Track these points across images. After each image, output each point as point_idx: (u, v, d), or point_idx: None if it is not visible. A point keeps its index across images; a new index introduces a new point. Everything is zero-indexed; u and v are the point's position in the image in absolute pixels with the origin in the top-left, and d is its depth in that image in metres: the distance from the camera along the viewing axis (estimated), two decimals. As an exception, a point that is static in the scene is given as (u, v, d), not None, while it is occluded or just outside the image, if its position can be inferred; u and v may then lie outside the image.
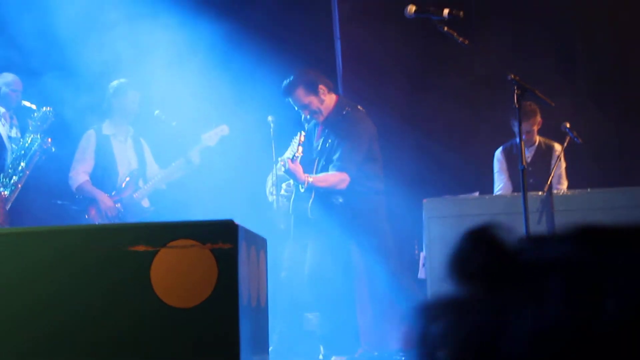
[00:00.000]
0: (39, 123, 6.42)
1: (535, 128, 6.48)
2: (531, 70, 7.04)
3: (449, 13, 4.43)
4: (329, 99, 5.48)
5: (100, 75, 6.86)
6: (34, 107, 6.50)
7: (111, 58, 6.91)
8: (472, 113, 7.42)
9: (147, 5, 7.05)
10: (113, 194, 6.48)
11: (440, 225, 5.68)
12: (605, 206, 5.50)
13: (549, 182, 5.62)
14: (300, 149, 5.59)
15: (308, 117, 5.52)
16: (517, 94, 4.38)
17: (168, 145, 6.76)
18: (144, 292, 2.88)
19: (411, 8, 4.53)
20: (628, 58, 7.35)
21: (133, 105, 6.56)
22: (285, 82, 5.52)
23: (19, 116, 6.66)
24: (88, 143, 6.54)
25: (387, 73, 6.42)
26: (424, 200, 5.76)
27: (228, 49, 7.24)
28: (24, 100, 6.59)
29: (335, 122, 5.40)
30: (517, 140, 6.50)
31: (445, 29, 4.48)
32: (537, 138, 6.56)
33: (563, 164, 6.50)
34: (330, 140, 5.24)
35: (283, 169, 5.34)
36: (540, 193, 5.63)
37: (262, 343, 3.43)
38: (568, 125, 6.23)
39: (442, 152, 7.46)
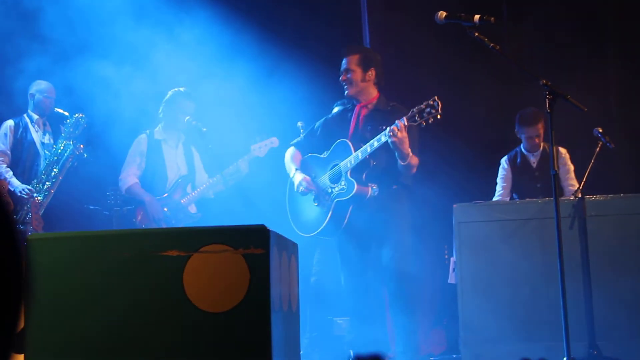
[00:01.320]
0: (71, 129, 6.51)
1: (541, 133, 6.53)
2: (563, 74, 7.02)
3: (480, 19, 4.42)
4: (371, 88, 5.48)
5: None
6: (66, 114, 6.59)
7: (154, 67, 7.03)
8: (503, 118, 7.39)
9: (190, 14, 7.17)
10: (165, 196, 6.55)
11: (471, 230, 5.66)
12: (637, 212, 5.45)
13: (581, 186, 5.58)
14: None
15: (343, 82, 5.44)
16: (549, 99, 4.36)
17: (216, 155, 6.80)
18: (177, 296, 2.91)
19: (442, 14, 4.53)
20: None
21: (188, 112, 6.61)
22: (352, 45, 5.60)
23: (52, 123, 6.75)
24: (139, 147, 6.62)
25: (421, 75, 6.42)
26: (454, 206, 5.75)
27: (271, 54, 7.36)
28: (57, 107, 6.68)
29: (385, 113, 5.36)
30: (521, 147, 6.56)
31: (476, 34, 4.47)
32: (542, 144, 6.59)
33: (571, 167, 6.52)
34: (383, 127, 5.12)
35: (385, 138, 5.04)
36: (572, 198, 5.60)
37: (293, 348, 3.44)
38: (600, 130, 6.19)
39: (474, 157, 7.45)
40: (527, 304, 5.49)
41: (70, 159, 6.48)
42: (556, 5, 7.49)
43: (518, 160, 6.71)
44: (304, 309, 6.27)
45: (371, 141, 5.15)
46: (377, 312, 5.59)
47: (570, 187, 6.45)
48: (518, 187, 6.68)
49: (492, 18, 4.41)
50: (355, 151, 5.25)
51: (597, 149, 6.20)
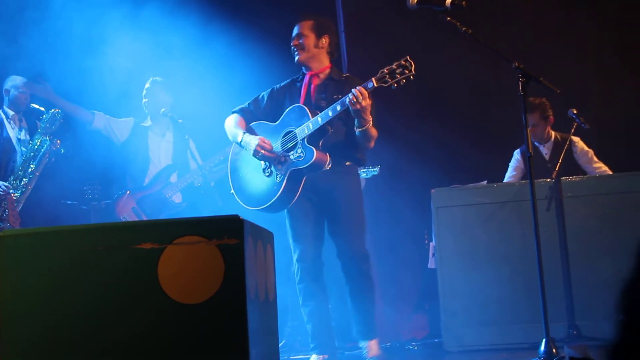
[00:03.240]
0: (47, 125, 6.47)
1: (543, 122, 6.48)
2: (540, 57, 7.04)
3: (451, 3, 4.42)
4: (323, 56, 5.19)
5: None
6: (42, 109, 6.54)
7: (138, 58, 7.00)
8: (479, 102, 7.41)
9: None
10: (145, 185, 6.53)
11: (449, 215, 5.69)
12: (612, 191, 5.49)
13: (556, 169, 5.61)
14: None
15: (294, 48, 5.15)
16: (521, 82, 4.36)
17: (206, 143, 6.78)
18: (152, 289, 2.90)
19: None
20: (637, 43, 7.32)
21: (165, 104, 6.60)
22: (306, 12, 5.29)
23: (28, 119, 6.71)
24: (125, 123, 6.66)
25: (397, 59, 6.47)
26: (432, 191, 5.77)
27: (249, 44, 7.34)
28: (33, 103, 6.63)
29: (340, 83, 5.11)
30: (535, 143, 6.53)
31: (448, 19, 4.47)
32: (553, 133, 6.54)
33: (590, 150, 6.48)
34: (339, 96, 4.86)
35: (349, 100, 4.72)
36: (548, 180, 5.63)
37: (271, 337, 3.44)
38: (575, 111, 6.23)
39: (450, 142, 7.46)
40: (507, 286, 5.52)
41: (47, 155, 6.45)
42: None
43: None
44: (285, 298, 6.27)
45: (333, 105, 4.83)
46: (334, 291, 5.46)
47: (601, 170, 6.39)
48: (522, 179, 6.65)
49: (464, 1, 4.41)
50: (313, 117, 4.92)
51: (572, 130, 6.23)
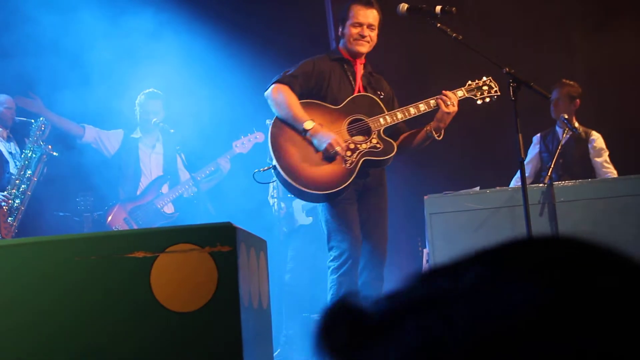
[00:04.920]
0: (38, 132, 6.45)
1: (567, 101, 6.47)
2: (530, 63, 7.06)
3: (441, 10, 4.44)
4: None
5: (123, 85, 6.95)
6: (32, 121, 6.53)
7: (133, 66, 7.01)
8: (470, 108, 7.42)
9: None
10: (137, 195, 6.53)
11: (442, 221, 5.68)
12: (605, 195, 5.50)
13: (549, 173, 5.61)
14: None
15: (359, 37, 4.79)
16: (512, 87, 4.38)
17: (199, 153, 6.78)
18: (145, 297, 2.89)
19: (403, 6, 4.55)
20: (626, 50, 7.35)
21: (156, 114, 6.62)
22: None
23: (15, 133, 6.71)
24: (115, 135, 6.66)
25: (383, 72, 6.46)
26: (425, 197, 5.76)
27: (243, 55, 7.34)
28: (18, 117, 6.63)
29: (377, 79, 4.99)
30: (557, 128, 6.54)
31: (439, 25, 4.49)
32: (576, 123, 6.55)
33: (604, 151, 6.48)
34: (380, 93, 4.80)
35: (434, 105, 4.69)
36: (541, 185, 5.64)
37: (265, 344, 3.44)
38: (566, 116, 6.23)
39: (442, 148, 7.47)
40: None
41: (43, 158, 6.43)
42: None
43: (547, 138, 6.67)
44: (279, 307, 6.26)
45: (418, 104, 4.73)
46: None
47: (609, 171, 6.39)
48: (538, 163, 6.66)
49: (454, 8, 4.43)
50: (387, 110, 4.75)
51: (564, 135, 6.24)
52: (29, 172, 6.37)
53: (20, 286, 2.94)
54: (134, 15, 7.03)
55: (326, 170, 4.65)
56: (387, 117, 4.72)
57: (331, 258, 4.71)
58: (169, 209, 6.63)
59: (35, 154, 6.39)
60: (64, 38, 6.77)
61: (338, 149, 4.60)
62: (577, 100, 6.55)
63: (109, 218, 6.47)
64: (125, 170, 6.62)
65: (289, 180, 4.59)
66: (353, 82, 4.86)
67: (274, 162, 4.62)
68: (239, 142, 6.78)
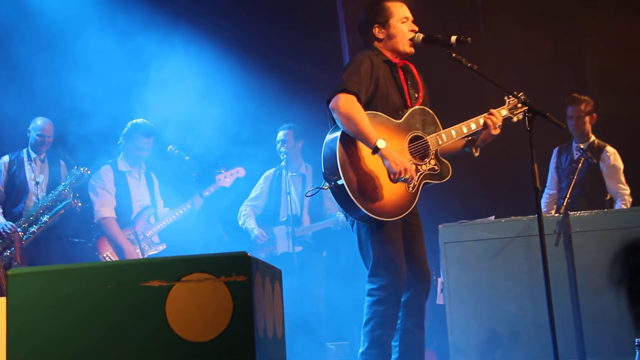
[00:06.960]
0: (74, 180, 6.48)
1: (584, 116, 6.46)
2: (541, 83, 7.06)
3: (457, 40, 4.44)
4: None
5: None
6: (76, 168, 6.55)
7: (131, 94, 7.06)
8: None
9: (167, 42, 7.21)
10: (135, 229, 6.58)
11: (457, 251, 5.67)
12: (621, 226, 5.47)
13: (567, 199, 5.59)
14: None
15: (416, 30, 4.59)
16: (528, 118, 4.37)
17: (183, 180, 6.83)
18: (160, 327, 2.88)
19: (419, 36, 4.55)
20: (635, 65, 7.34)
21: (145, 148, 6.66)
22: None
23: (51, 162, 6.70)
24: (108, 177, 6.63)
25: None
26: (440, 226, 5.76)
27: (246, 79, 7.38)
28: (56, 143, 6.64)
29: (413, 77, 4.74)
30: (574, 144, 6.52)
31: (454, 55, 4.49)
32: (592, 136, 6.53)
33: (619, 166, 6.45)
34: (417, 94, 4.61)
35: (491, 122, 4.48)
36: (556, 215, 5.62)
37: (280, 375, 3.42)
38: (582, 146, 6.23)
39: (457, 177, 7.45)
40: (516, 322, 5.49)
41: (63, 209, 6.45)
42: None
43: (563, 153, 6.67)
44: (294, 336, 6.24)
45: (469, 122, 4.51)
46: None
47: (621, 191, 6.38)
48: (556, 176, 6.68)
49: (469, 38, 4.43)
50: (443, 128, 4.51)
51: (580, 165, 6.22)
52: (47, 217, 6.39)
53: (36, 314, 2.94)
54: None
55: (393, 194, 4.29)
56: (443, 135, 4.46)
57: (376, 287, 4.30)
58: (155, 239, 6.71)
59: (60, 203, 6.41)
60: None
61: (409, 176, 4.22)
62: (594, 115, 6.55)
63: (99, 246, 6.52)
64: (119, 203, 6.68)
65: (355, 200, 4.19)
66: (401, 89, 4.56)
67: (342, 181, 4.18)
68: (222, 175, 6.85)
